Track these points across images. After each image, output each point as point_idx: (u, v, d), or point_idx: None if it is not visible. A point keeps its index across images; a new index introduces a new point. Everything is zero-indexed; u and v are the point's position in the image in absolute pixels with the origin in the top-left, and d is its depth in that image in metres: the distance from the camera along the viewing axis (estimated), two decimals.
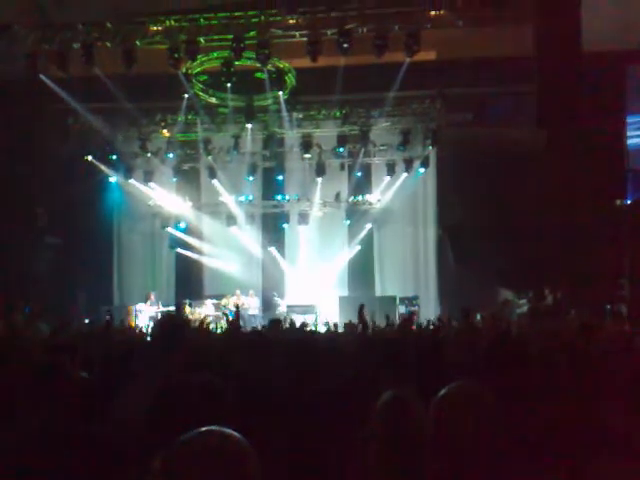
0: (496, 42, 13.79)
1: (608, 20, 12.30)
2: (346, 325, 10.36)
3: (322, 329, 11.86)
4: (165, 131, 18.65)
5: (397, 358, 4.17)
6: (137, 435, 2.32)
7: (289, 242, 19.41)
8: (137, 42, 13.96)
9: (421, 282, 18.52)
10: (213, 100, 17.40)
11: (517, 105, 15.38)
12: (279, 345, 4.33)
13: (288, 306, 17.71)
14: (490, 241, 15.54)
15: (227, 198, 19.04)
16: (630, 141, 14.21)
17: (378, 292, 18.62)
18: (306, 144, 18.30)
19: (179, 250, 19.32)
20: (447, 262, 17.45)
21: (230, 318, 8.26)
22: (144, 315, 16.62)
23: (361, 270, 19.00)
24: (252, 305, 17.53)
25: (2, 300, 13.30)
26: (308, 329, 9.37)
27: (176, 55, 13.87)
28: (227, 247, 18.94)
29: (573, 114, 11.15)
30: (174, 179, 19.34)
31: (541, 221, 14.93)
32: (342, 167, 19.16)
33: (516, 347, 3.91)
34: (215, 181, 18.86)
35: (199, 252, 19.28)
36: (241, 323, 15.28)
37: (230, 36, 13.74)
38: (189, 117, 18.17)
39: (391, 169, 18.54)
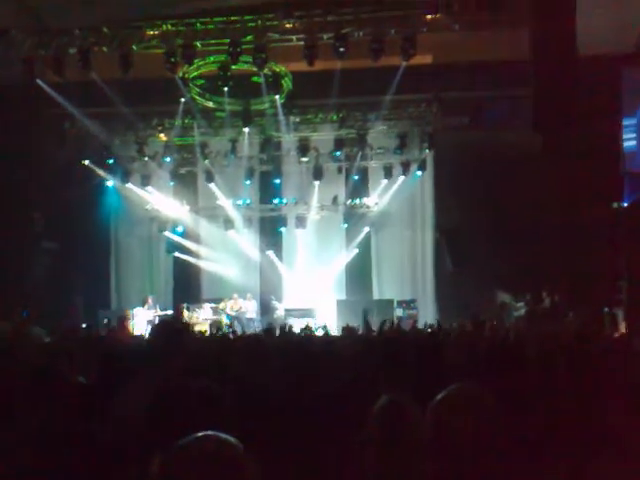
0: (492, 46, 13.83)
1: (603, 23, 12.34)
2: (344, 329, 10.36)
3: (320, 332, 11.84)
4: (162, 135, 18.65)
5: (395, 361, 4.18)
6: (135, 439, 2.32)
7: (287, 246, 19.41)
8: (134, 47, 13.97)
9: (419, 285, 18.53)
10: (210, 104, 17.40)
11: (513, 108, 15.41)
12: (277, 349, 4.33)
13: (286, 310, 17.71)
14: (487, 244, 15.56)
15: (224, 202, 19.03)
16: (626, 143, 14.22)
17: (376, 295, 18.62)
18: (303, 148, 18.31)
19: (177, 254, 19.30)
20: (445, 265, 17.45)
21: (228, 322, 8.28)
22: (142, 319, 16.60)
23: (359, 273, 19.01)
24: (250, 309, 17.51)
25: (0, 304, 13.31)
26: (307, 332, 9.38)
27: (173, 59, 13.88)
28: (225, 251, 18.93)
29: (569, 118, 11.16)
30: (171, 183, 19.34)
31: (538, 224, 14.96)
32: (339, 170, 19.17)
33: (514, 350, 3.91)
34: (212, 185, 18.86)
35: (197, 256, 19.26)
36: (239, 327, 15.33)
37: (227, 40, 13.76)
38: (186, 121, 18.16)
39: (388, 172, 18.56)
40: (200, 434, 1.56)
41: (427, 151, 18.04)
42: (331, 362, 4.37)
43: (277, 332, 9.85)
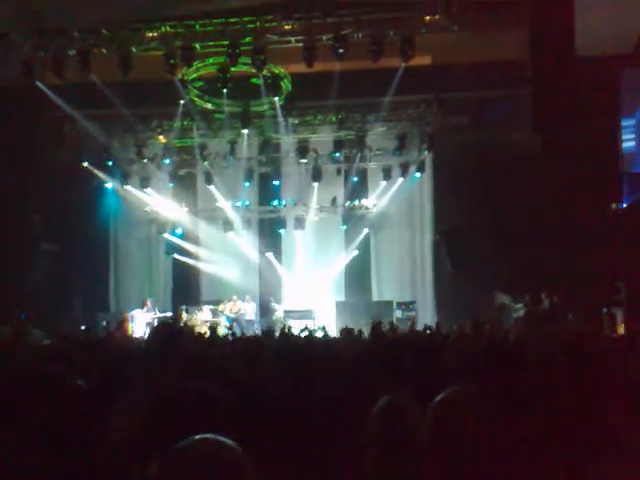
0: (491, 46, 13.83)
1: (602, 24, 12.34)
2: (342, 331, 10.35)
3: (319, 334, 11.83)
4: (161, 137, 18.66)
5: (394, 363, 4.17)
6: (134, 442, 2.32)
7: (286, 247, 19.41)
8: (133, 49, 13.98)
9: (418, 287, 18.53)
10: (209, 106, 17.41)
11: (513, 109, 15.42)
12: (276, 351, 4.32)
13: (285, 311, 17.71)
14: (486, 245, 15.56)
15: (223, 203, 19.04)
16: (625, 144, 14.23)
17: (375, 297, 18.63)
18: (302, 149, 18.33)
19: (176, 256, 19.31)
20: (444, 266, 17.45)
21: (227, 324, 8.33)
22: (141, 321, 16.59)
23: (358, 275, 19.01)
24: (249, 310, 17.51)
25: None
26: (306, 334, 9.37)
27: (172, 61, 13.88)
28: (224, 252, 18.93)
29: (568, 118, 11.17)
30: (170, 185, 19.34)
31: (537, 225, 14.96)
32: (338, 172, 19.18)
33: (513, 351, 3.91)
34: (211, 187, 18.86)
35: (196, 258, 19.26)
36: (238, 329, 15.33)
37: (226, 42, 13.76)
38: (185, 123, 18.18)
39: (387, 174, 18.57)
40: (198, 437, 1.56)
41: (426, 152, 18.07)
42: (330, 364, 4.37)
43: (277, 333, 9.85)
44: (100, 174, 18.59)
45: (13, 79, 14.21)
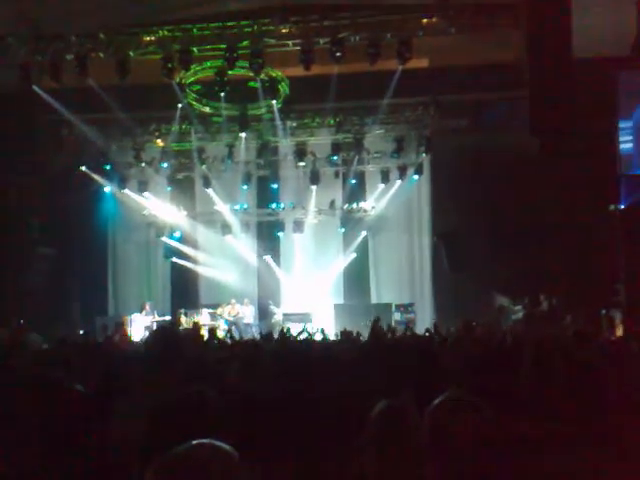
0: (488, 49, 13.85)
1: (600, 26, 12.36)
2: (341, 333, 10.36)
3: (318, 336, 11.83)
4: (159, 141, 18.65)
5: (393, 365, 4.17)
6: (133, 445, 2.31)
7: (284, 250, 19.41)
8: (130, 52, 13.97)
9: (416, 289, 18.54)
10: (207, 109, 17.41)
11: (510, 111, 15.44)
12: (275, 355, 4.32)
13: (284, 314, 17.70)
14: (485, 247, 15.57)
15: (222, 207, 19.04)
16: (622, 146, 14.25)
17: (374, 299, 18.62)
18: (300, 152, 18.33)
19: (174, 259, 19.30)
20: (442, 269, 17.46)
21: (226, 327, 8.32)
22: (139, 325, 16.57)
23: (356, 278, 19.01)
24: (247, 314, 17.51)
25: None
26: (304, 336, 9.37)
27: (170, 65, 13.88)
28: (222, 256, 18.93)
29: (566, 120, 11.19)
30: (168, 188, 19.34)
31: (535, 227, 14.97)
32: (336, 175, 19.19)
33: (512, 352, 3.91)
34: (210, 190, 18.86)
35: (194, 261, 19.25)
36: (236, 332, 15.31)
37: (223, 46, 13.76)
38: (183, 127, 18.17)
39: (385, 176, 18.58)
40: (194, 442, 1.55)
41: (424, 155, 18.08)
42: (329, 367, 4.36)
43: (275, 336, 9.84)
44: (98, 178, 18.58)
45: (10, 83, 14.20)
